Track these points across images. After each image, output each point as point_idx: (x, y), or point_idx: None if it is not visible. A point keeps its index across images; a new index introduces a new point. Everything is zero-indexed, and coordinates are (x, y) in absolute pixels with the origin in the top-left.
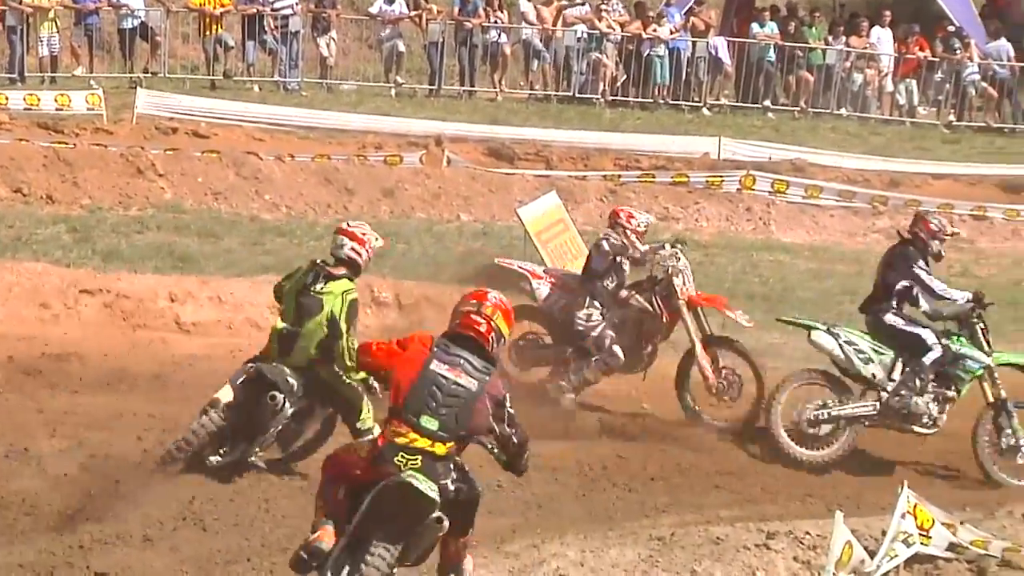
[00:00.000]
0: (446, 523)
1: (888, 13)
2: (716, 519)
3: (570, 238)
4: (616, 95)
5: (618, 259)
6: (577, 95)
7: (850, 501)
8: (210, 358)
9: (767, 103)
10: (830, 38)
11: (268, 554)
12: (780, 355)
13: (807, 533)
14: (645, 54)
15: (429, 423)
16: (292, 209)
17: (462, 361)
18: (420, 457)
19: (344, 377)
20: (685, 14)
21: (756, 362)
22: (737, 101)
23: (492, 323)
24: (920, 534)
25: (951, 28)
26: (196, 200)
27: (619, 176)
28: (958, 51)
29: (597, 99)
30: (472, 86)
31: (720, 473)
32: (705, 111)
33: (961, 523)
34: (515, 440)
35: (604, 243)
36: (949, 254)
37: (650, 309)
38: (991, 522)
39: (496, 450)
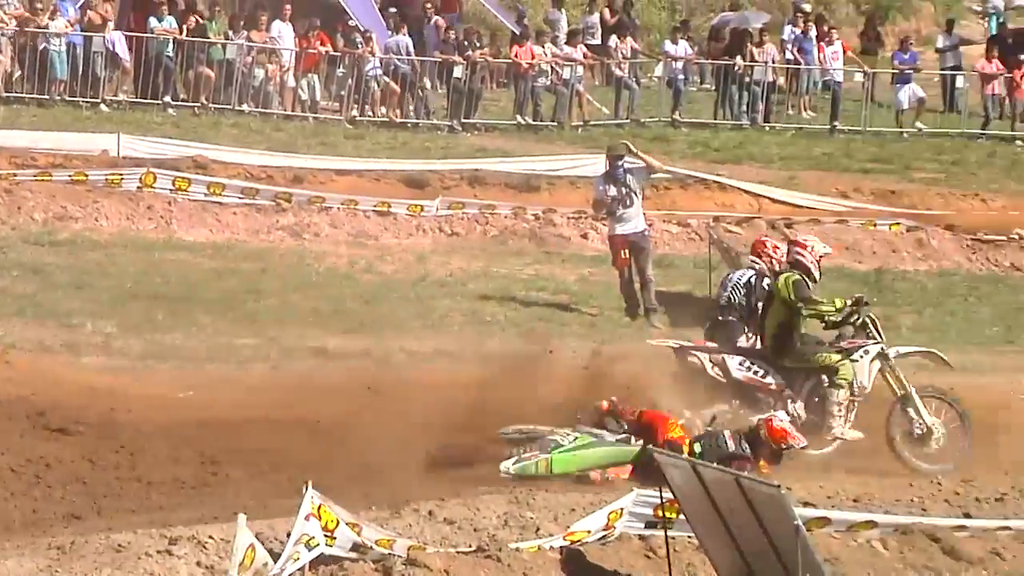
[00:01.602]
0: None
1: (289, 7)
2: (119, 526)
3: None
4: (11, 91)
5: None
6: None
7: (256, 503)
8: None
9: (167, 99)
10: (230, 32)
11: None
12: None
13: (211, 538)
14: (40, 48)
15: None
16: None
17: None
18: None
19: None
20: (80, 8)
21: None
22: (137, 97)
23: None
24: (325, 535)
25: (352, 23)
26: None
27: (15, 175)
28: (360, 46)
29: None
30: None
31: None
32: (103, 107)
33: (368, 523)
34: None
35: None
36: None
37: None
38: (397, 521)
39: None
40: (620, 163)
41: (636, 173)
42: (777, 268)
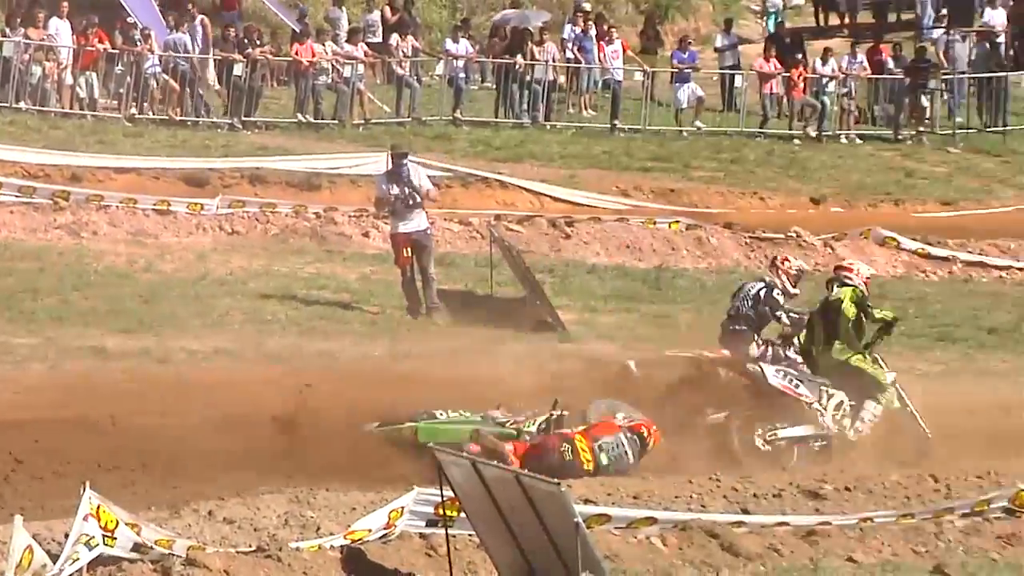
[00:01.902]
0: None
1: (66, 4)
2: None
3: None
4: None
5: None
6: None
7: (34, 504)
8: None
9: None
10: (7, 29)
11: None
12: None
13: None
14: None
15: None
16: None
17: None
18: None
19: None
20: None
21: None
22: None
23: None
24: (104, 535)
25: (131, 20)
26: None
27: None
28: (139, 43)
29: None
30: None
31: None
32: None
33: (148, 523)
34: None
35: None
36: None
37: None
38: (177, 521)
39: None
40: (403, 162)
41: (418, 175)
42: (789, 286)
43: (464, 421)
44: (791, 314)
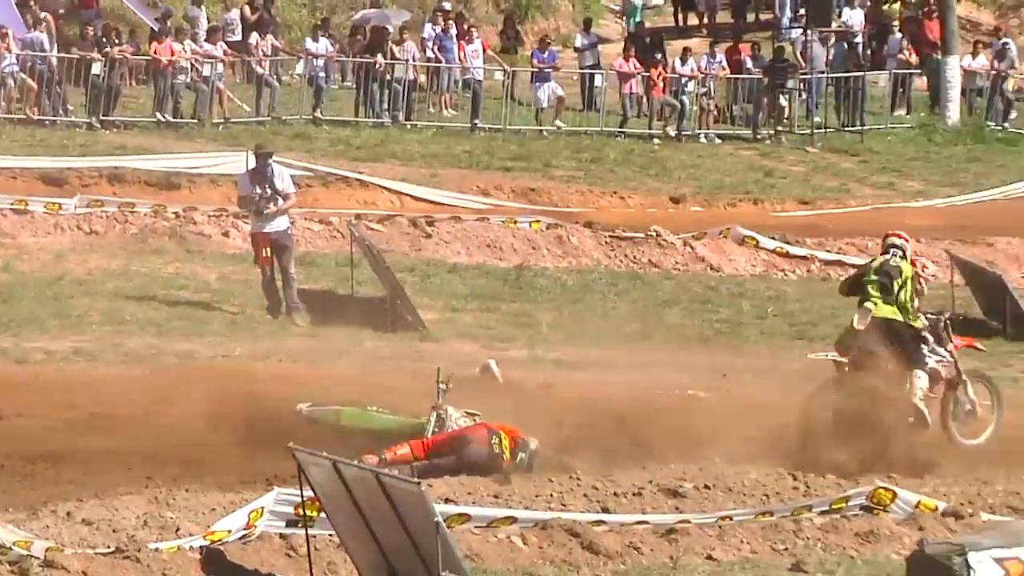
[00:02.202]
0: None
1: None
2: None
3: None
4: None
5: None
6: None
7: None
8: None
9: None
10: None
11: None
12: None
13: None
14: None
15: None
16: None
17: None
18: None
19: None
20: None
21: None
22: None
23: None
24: None
25: None
26: None
27: None
28: None
29: None
30: None
31: None
32: None
33: (5, 524)
34: None
35: None
36: None
37: None
38: (35, 522)
39: None
40: (268, 162)
41: (282, 177)
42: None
43: (385, 411)
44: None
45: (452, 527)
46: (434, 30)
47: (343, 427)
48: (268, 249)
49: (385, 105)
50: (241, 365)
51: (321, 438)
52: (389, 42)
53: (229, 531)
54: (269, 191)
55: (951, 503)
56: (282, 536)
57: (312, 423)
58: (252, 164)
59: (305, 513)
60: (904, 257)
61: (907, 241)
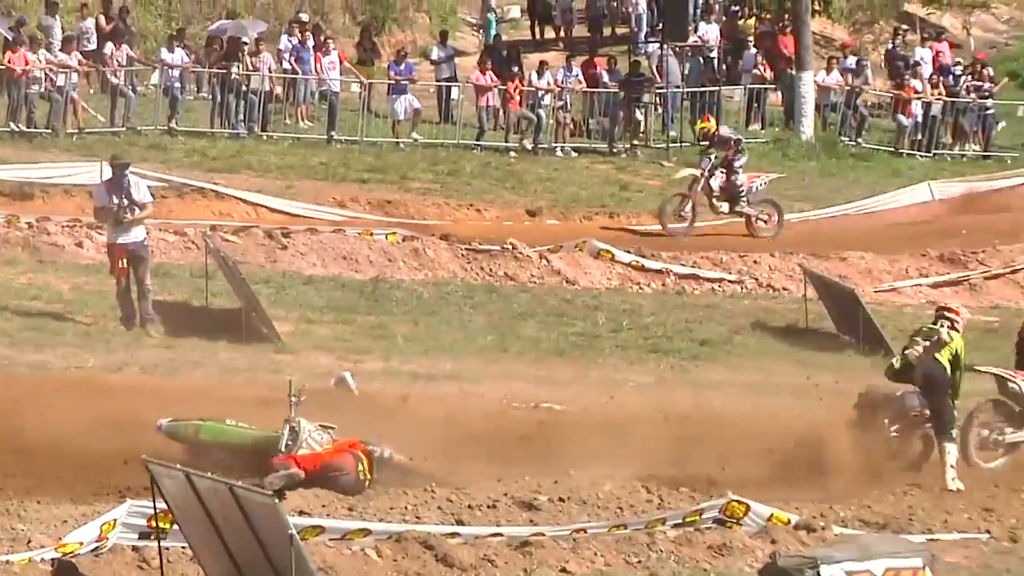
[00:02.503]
0: None
1: None
2: None
3: None
4: None
5: None
6: None
7: None
8: None
9: None
10: None
11: None
12: None
13: None
14: None
15: None
16: None
17: None
18: None
19: None
20: None
21: None
22: None
23: None
24: None
25: None
26: None
27: None
28: None
29: None
30: None
31: None
32: None
33: None
34: None
35: None
36: None
37: None
38: None
39: None
40: (124, 172)
41: (139, 188)
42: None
43: (244, 427)
44: None
45: (306, 539)
46: (291, 41)
47: (201, 441)
48: (124, 260)
49: (241, 116)
50: (95, 376)
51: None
52: (245, 53)
53: (81, 543)
54: (126, 201)
55: (803, 516)
56: (135, 548)
57: (172, 437)
58: (108, 175)
59: (158, 525)
60: (956, 329)
61: (959, 318)
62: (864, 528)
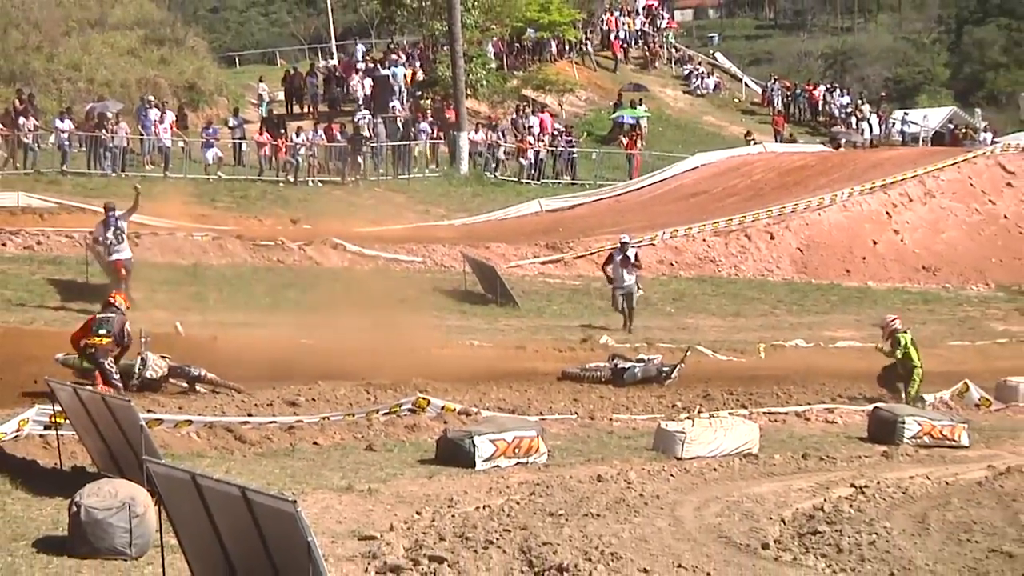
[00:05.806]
0: None
1: None
2: None
3: None
4: None
5: None
6: None
7: None
8: None
9: None
10: None
11: None
12: None
13: None
14: None
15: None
16: None
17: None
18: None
19: None
20: None
21: None
22: None
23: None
24: None
25: None
26: None
27: None
28: None
29: None
30: None
31: None
32: None
33: None
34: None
35: None
36: None
37: None
38: None
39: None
40: (112, 212)
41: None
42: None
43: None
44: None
45: (151, 427)
46: (140, 113)
47: (84, 369)
48: (123, 268)
49: (108, 162)
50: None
51: (67, 374)
52: (110, 121)
53: (5, 433)
54: (115, 232)
55: (464, 405)
56: (41, 436)
57: (65, 366)
58: (103, 216)
59: (56, 421)
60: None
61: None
62: (500, 411)
